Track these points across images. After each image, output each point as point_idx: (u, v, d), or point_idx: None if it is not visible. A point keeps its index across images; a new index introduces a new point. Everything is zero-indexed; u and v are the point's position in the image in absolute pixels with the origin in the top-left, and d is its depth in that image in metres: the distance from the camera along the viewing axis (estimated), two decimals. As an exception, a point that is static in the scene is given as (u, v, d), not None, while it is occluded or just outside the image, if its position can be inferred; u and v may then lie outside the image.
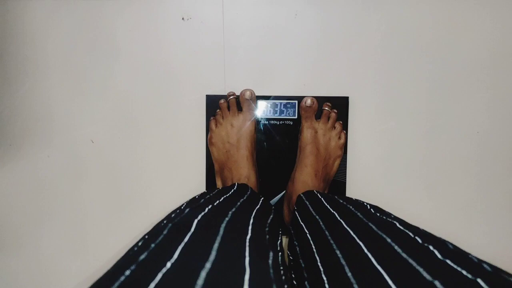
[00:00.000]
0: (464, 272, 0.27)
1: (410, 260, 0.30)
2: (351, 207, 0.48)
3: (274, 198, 0.64)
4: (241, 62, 0.63)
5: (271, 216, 0.52)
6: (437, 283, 0.27)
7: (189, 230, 0.32)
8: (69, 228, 0.65)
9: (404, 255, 0.32)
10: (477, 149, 0.63)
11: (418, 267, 0.29)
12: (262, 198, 0.54)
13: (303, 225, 0.49)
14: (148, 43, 0.63)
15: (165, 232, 0.33)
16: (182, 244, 0.29)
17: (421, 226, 0.55)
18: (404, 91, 0.63)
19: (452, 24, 0.62)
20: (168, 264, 0.26)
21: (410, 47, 0.62)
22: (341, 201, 0.50)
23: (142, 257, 0.28)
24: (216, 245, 0.30)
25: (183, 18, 0.63)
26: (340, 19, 0.62)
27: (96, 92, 0.63)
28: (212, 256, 0.28)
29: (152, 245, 0.31)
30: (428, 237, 0.34)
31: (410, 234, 0.35)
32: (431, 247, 0.32)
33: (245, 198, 0.49)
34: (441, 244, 0.33)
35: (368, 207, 0.48)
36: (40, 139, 0.64)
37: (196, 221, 0.34)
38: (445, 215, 0.64)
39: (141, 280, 0.23)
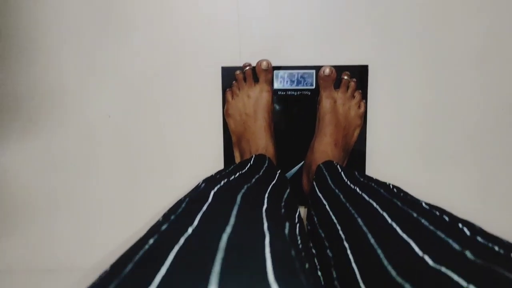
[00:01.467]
0: (496, 248, 0.26)
1: (439, 233, 0.30)
2: (372, 184, 0.47)
3: (292, 170, 0.63)
4: (257, 31, 0.61)
5: (287, 191, 0.51)
6: (467, 253, 0.26)
7: (207, 200, 0.32)
8: (85, 203, 0.66)
9: (431, 227, 0.31)
10: (505, 122, 0.61)
11: (447, 239, 0.28)
12: (279, 172, 0.54)
13: (321, 197, 0.49)
14: (161, 16, 0.62)
15: (183, 205, 0.34)
16: (201, 213, 0.29)
17: (443, 199, 0.54)
18: (426, 58, 0.61)
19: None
20: (190, 230, 0.26)
21: (433, 11, 0.60)
22: (362, 179, 0.49)
23: (164, 227, 0.28)
24: (234, 212, 0.30)
25: (196, -12, 0.61)
26: (359, -16, 0.60)
27: (110, 67, 0.63)
28: (231, 221, 0.28)
29: (172, 217, 0.31)
30: (456, 217, 0.33)
31: (437, 212, 0.35)
32: (460, 225, 0.31)
33: (260, 174, 0.48)
34: (470, 224, 0.32)
35: (391, 187, 0.47)
36: (56, 115, 0.64)
37: (212, 192, 0.35)
38: (469, 189, 0.63)
39: (165, 245, 0.24)
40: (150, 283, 0.18)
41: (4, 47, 0.62)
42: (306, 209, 0.63)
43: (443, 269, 0.24)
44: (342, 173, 0.50)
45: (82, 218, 0.66)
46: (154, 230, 0.29)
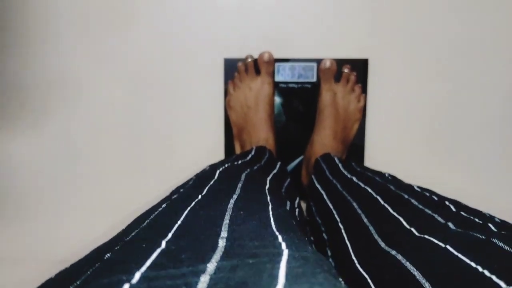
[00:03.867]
0: (477, 219, 0.29)
1: (426, 210, 0.33)
2: (368, 173, 0.48)
3: (292, 163, 0.64)
4: (259, 24, 0.62)
5: (288, 180, 0.52)
6: (450, 224, 0.29)
7: (213, 178, 0.34)
8: (92, 194, 0.66)
9: (420, 206, 0.34)
10: (502, 114, 0.62)
11: (433, 214, 0.31)
12: (280, 163, 0.55)
13: (319, 188, 0.50)
14: (163, 6, 0.62)
15: (191, 182, 0.36)
16: (209, 185, 0.32)
17: (442, 193, 0.55)
18: (426, 53, 0.61)
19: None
20: (199, 196, 0.28)
21: (435, 5, 0.60)
22: (359, 169, 0.50)
23: (174, 197, 0.30)
24: (240, 185, 0.32)
25: (199, -21, 0.61)
26: (361, -22, 0.60)
27: (114, 58, 0.63)
28: (237, 191, 0.30)
29: (182, 190, 0.33)
30: (444, 197, 0.36)
31: (427, 194, 0.38)
32: (446, 202, 0.34)
33: (262, 163, 0.49)
34: (456, 201, 0.35)
35: (386, 175, 0.48)
36: (62, 105, 0.64)
37: (218, 171, 0.37)
38: (468, 183, 0.64)
39: (178, 206, 0.26)
40: (166, 233, 0.20)
41: (13, 37, 0.62)
42: (306, 204, 0.64)
43: (426, 236, 0.27)
44: (339, 164, 0.51)
45: (88, 209, 0.66)
46: (165, 199, 0.30)
